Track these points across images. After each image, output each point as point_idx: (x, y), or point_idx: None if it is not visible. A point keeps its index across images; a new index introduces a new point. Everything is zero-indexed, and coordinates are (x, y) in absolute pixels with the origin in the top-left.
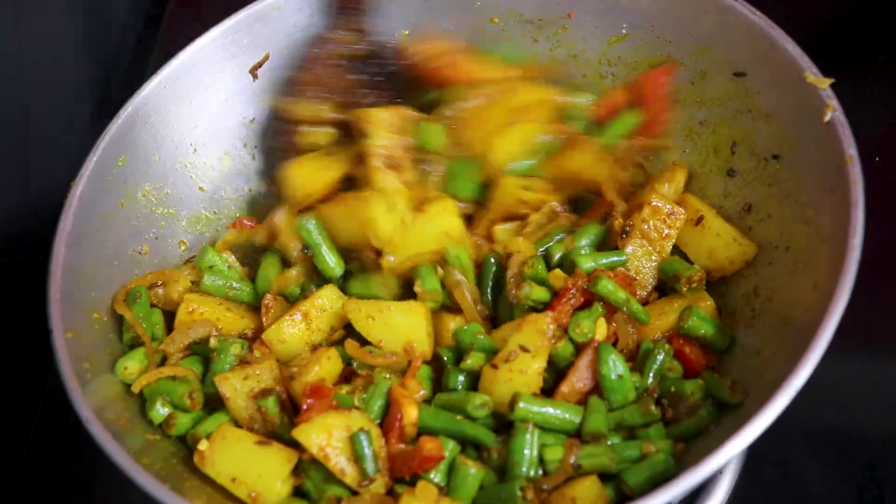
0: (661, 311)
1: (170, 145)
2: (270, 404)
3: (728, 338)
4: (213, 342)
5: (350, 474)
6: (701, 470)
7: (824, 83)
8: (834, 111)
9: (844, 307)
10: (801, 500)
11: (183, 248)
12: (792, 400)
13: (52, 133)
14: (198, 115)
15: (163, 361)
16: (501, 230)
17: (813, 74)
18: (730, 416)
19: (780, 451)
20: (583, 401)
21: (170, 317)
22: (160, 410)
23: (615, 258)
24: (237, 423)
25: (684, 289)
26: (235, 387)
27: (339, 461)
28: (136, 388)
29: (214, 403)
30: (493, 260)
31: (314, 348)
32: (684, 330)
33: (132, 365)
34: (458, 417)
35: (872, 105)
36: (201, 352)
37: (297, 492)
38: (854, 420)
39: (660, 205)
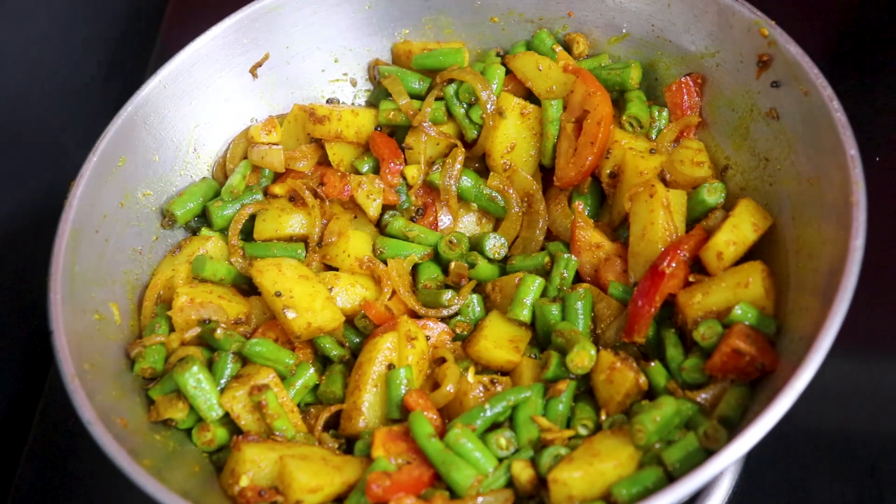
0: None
1: (170, 145)
2: (270, 397)
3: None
4: (219, 333)
5: None
6: (698, 476)
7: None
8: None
9: (846, 309)
10: (802, 501)
11: None
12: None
13: (52, 133)
14: (198, 114)
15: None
16: None
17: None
18: None
19: (781, 450)
20: None
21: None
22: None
23: None
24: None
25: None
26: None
27: None
28: (137, 369)
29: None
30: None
31: None
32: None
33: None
34: None
35: (872, 105)
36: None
37: None
38: (855, 420)
39: None
